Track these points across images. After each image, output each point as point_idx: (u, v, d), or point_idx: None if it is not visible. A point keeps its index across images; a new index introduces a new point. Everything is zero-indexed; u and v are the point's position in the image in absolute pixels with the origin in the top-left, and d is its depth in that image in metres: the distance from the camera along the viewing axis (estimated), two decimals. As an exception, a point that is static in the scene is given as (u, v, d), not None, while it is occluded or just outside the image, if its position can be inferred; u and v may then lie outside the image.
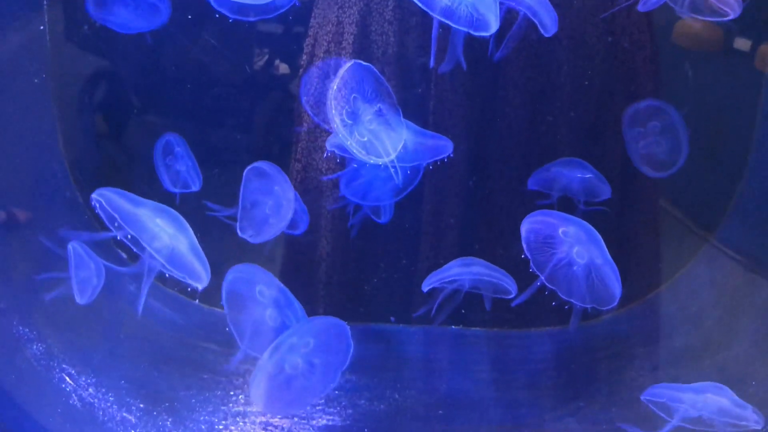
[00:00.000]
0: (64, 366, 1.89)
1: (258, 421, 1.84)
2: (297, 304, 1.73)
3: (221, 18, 1.84)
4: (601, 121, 2.03)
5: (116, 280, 1.92)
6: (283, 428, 1.83)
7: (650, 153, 1.97)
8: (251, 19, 1.87)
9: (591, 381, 2.04)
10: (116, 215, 1.54)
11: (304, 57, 2.10)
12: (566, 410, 1.94)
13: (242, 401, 1.88)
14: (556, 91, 2.02)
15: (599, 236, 1.64)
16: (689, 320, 2.14)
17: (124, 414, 1.84)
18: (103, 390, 1.87)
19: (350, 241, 2.11)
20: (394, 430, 1.91)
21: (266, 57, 2.27)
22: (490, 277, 1.84)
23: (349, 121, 1.59)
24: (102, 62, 2.31)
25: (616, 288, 1.61)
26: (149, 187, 2.05)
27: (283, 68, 2.27)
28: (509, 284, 1.82)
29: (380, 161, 1.60)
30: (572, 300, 1.62)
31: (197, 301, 2.04)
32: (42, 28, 2.14)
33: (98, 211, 1.56)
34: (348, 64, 1.57)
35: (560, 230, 1.64)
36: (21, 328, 1.89)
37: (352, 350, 1.67)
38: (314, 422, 1.85)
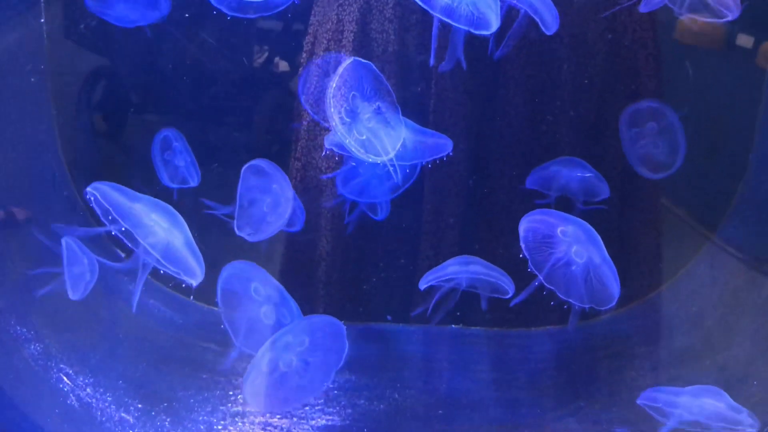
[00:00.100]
0: (61, 366, 1.88)
1: (257, 421, 1.83)
2: (292, 302, 1.73)
3: (220, 15, 1.83)
4: (602, 119, 2.02)
5: (114, 280, 1.91)
6: (282, 428, 1.82)
7: (648, 154, 1.97)
8: (250, 16, 1.86)
9: (591, 381, 2.03)
10: (111, 209, 1.54)
11: (304, 55, 2.09)
12: (567, 410, 1.93)
13: (241, 401, 1.87)
14: (556, 90, 2.01)
15: (598, 236, 1.63)
16: (690, 320, 2.14)
17: (123, 414, 1.83)
18: (101, 390, 1.87)
19: (350, 240, 2.11)
20: (394, 430, 1.90)
21: (266, 54, 2.26)
22: (487, 276, 1.83)
23: (348, 120, 1.59)
24: (100, 60, 2.31)
25: (615, 288, 1.60)
26: (147, 186, 2.04)
27: (283, 66, 2.26)
28: (507, 284, 1.81)
29: (379, 160, 1.59)
30: (570, 300, 1.62)
31: (192, 297, 2.03)
32: (39, 25, 2.13)
33: (93, 205, 1.55)
34: (347, 62, 1.56)
35: (559, 229, 1.63)
36: (18, 327, 1.88)
37: (347, 350, 1.66)
38: (313, 422, 1.85)
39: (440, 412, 1.94)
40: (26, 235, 1.91)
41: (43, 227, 1.91)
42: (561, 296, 1.62)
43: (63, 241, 1.76)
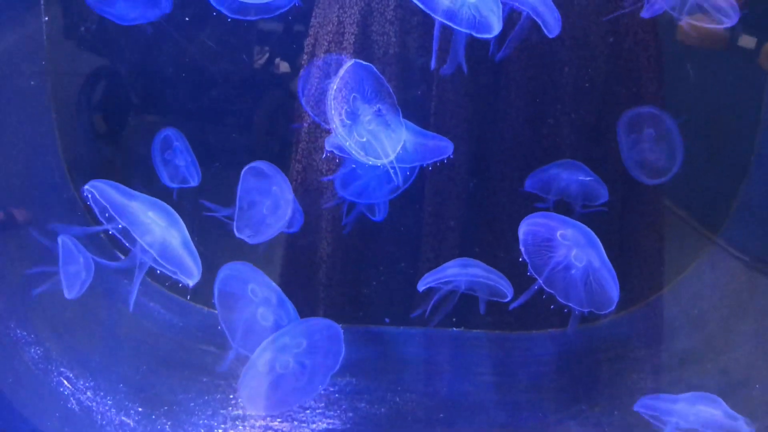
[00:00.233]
0: (62, 369, 1.88)
1: (257, 424, 1.83)
2: (289, 304, 1.72)
3: (220, 16, 1.83)
4: (604, 122, 2.01)
5: (114, 283, 1.91)
6: None
7: (645, 160, 1.96)
8: (251, 18, 1.86)
9: (593, 384, 2.03)
10: (108, 206, 1.53)
11: (305, 57, 2.08)
12: (568, 413, 1.93)
13: (242, 405, 1.87)
14: (558, 92, 2.00)
15: (597, 239, 1.62)
16: (692, 322, 2.13)
17: (123, 418, 1.83)
18: (102, 393, 1.86)
19: (350, 242, 2.10)
20: (395, 433, 1.90)
21: (267, 55, 2.26)
22: (486, 279, 1.83)
23: (348, 122, 1.58)
24: (100, 61, 2.30)
25: (614, 292, 1.60)
26: (147, 187, 2.04)
27: (284, 67, 2.26)
28: (506, 287, 1.81)
29: (379, 162, 1.58)
30: (570, 304, 1.61)
31: (188, 297, 2.03)
32: (39, 26, 2.13)
33: (90, 203, 1.54)
34: (348, 64, 1.56)
35: (558, 233, 1.62)
36: (19, 331, 1.88)
37: (343, 353, 1.66)
38: (314, 426, 1.84)
39: (441, 415, 1.93)
40: (26, 237, 1.91)
41: (42, 228, 1.91)
42: (560, 300, 1.61)
43: (59, 240, 1.76)
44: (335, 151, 1.74)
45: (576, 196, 1.95)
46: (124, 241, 1.57)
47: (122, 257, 1.85)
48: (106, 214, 1.54)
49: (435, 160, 1.76)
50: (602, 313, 1.62)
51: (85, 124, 2.36)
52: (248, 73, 2.26)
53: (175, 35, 2.14)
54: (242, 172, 1.84)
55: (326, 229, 2.12)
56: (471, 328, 2.14)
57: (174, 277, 1.56)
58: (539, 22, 1.62)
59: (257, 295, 1.71)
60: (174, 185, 2.05)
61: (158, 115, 2.35)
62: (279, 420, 1.83)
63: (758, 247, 2.14)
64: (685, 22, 1.72)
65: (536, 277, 1.61)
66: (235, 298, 1.70)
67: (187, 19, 2.09)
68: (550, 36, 1.64)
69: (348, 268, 2.15)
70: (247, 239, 1.85)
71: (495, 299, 1.84)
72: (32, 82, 2.13)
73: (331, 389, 1.93)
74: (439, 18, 1.52)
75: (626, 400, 1.85)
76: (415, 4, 1.53)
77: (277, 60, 2.25)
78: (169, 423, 1.84)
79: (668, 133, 1.96)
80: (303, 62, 2.11)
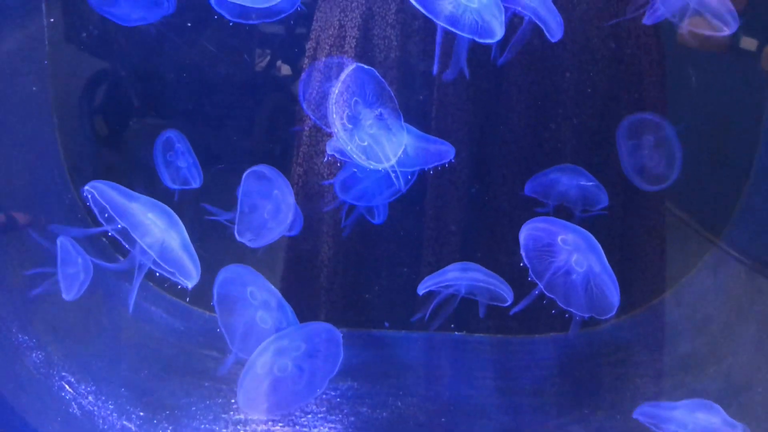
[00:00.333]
0: (63, 374, 1.88)
1: (259, 429, 1.83)
2: (288, 307, 1.72)
3: (222, 19, 1.83)
4: (606, 125, 2.00)
5: (116, 287, 1.91)
6: (284, 436, 1.82)
7: (644, 167, 1.96)
8: (253, 22, 1.85)
9: (595, 388, 2.03)
10: (107, 206, 1.53)
11: (306, 60, 2.08)
12: (570, 417, 1.93)
13: (239, 407, 1.86)
14: (559, 96, 2.00)
15: (598, 244, 1.62)
16: (694, 326, 2.13)
17: (125, 422, 1.83)
18: (103, 398, 1.86)
19: (352, 247, 2.10)
20: (397, 438, 1.90)
21: (268, 58, 2.25)
22: (486, 283, 1.82)
23: (350, 125, 1.58)
24: (101, 63, 2.30)
25: (615, 297, 1.59)
26: (149, 191, 2.03)
27: (285, 69, 2.25)
28: (506, 292, 1.81)
29: (380, 166, 1.58)
30: (570, 309, 1.61)
31: (188, 299, 2.03)
32: (41, 30, 2.12)
33: (90, 203, 1.54)
34: (350, 68, 1.55)
35: (559, 238, 1.62)
36: (20, 335, 1.88)
37: (342, 357, 1.65)
38: (316, 430, 1.84)
39: (443, 419, 1.93)
40: (27, 241, 1.91)
41: (43, 231, 1.91)
42: (561, 305, 1.61)
43: (57, 241, 1.76)
44: (336, 155, 1.74)
45: (576, 200, 1.94)
46: (123, 242, 1.56)
47: (121, 259, 1.86)
48: (105, 215, 1.54)
49: (436, 164, 1.76)
50: (603, 318, 1.61)
51: (87, 126, 2.35)
52: (249, 76, 2.26)
53: (177, 38, 2.14)
54: (244, 176, 1.84)
55: (327, 232, 2.12)
56: (473, 332, 2.14)
57: (173, 279, 1.56)
58: (542, 26, 1.62)
59: (256, 298, 1.71)
60: (176, 187, 2.05)
61: (159, 118, 2.35)
62: (281, 424, 1.83)
63: (761, 250, 2.13)
64: (686, 29, 1.73)
65: (537, 282, 1.61)
66: (234, 301, 1.69)
67: (188, 23, 2.09)
68: (553, 40, 1.64)
69: (349, 271, 2.15)
70: (248, 243, 1.85)
71: (495, 303, 1.84)
72: (33, 85, 2.13)
73: (333, 393, 1.93)
74: (441, 23, 1.51)
75: (628, 405, 1.84)
76: (417, 8, 1.52)
77: (279, 63, 2.25)
78: (170, 427, 1.84)
79: (667, 140, 1.96)
80: (304, 65, 2.10)
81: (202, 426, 1.85)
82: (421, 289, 1.85)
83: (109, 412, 1.84)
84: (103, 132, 2.39)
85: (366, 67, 1.57)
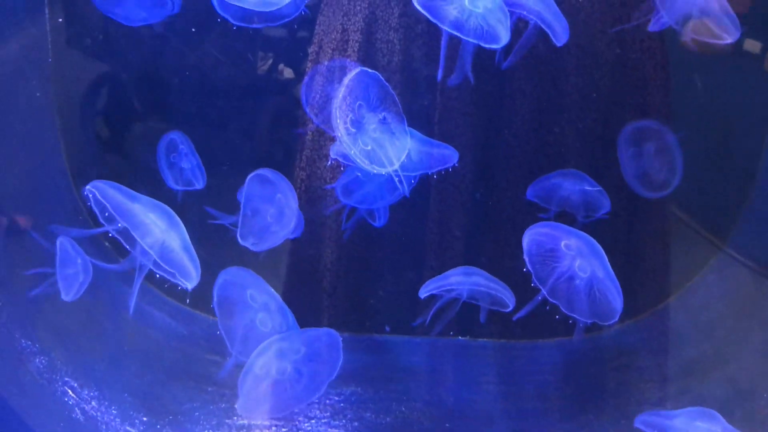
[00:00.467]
0: (66, 379, 1.87)
1: (262, 434, 1.82)
2: (288, 310, 1.72)
3: (225, 23, 1.82)
4: (610, 130, 1.99)
5: (119, 293, 1.90)
6: (287, 441, 1.82)
7: (645, 174, 1.96)
8: (256, 26, 1.85)
9: (600, 393, 2.02)
10: (108, 205, 1.53)
11: (309, 64, 2.08)
12: (575, 423, 1.92)
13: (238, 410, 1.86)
14: (563, 101, 1.99)
15: (602, 250, 1.61)
16: (700, 331, 2.11)
17: (128, 428, 1.83)
18: (106, 403, 1.86)
19: (354, 251, 2.09)
20: (401, 443, 1.89)
21: (270, 61, 2.25)
22: (488, 288, 1.82)
23: (353, 130, 1.57)
24: (104, 67, 2.30)
25: (618, 303, 1.59)
26: (151, 193, 2.03)
27: (288, 73, 2.25)
28: (508, 297, 1.80)
29: (384, 171, 1.58)
30: (573, 315, 1.60)
31: (188, 301, 2.02)
32: (43, 34, 2.13)
33: (92, 203, 1.54)
34: (354, 72, 1.55)
35: (563, 243, 1.62)
36: (23, 341, 1.87)
37: (341, 362, 1.65)
38: (319, 435, 1.84)
39: (447, 425, 1.92)
40: (30, 247, 1.90)
41: (45, 235, 1.91)
42: (564, 311, 1.60)
43: (57, 242, 1.76)
44: (340, 159, 1.74)
45: (578, 206, 1.94)
46: (123, 243, 1.56)
47: (122, 261, 1.85)
48: (106, 214, 1.54)
49: (440, 168, 1.75)
50: (606, 324, 1.61)
51: (89, 129, 2.36)
52: (251, 79, 2.25)
53: (179, 41, 2.14)
54: (247, 180, 1.84)
55: (330, 237, 2.11)
56: (476, 337, 2.13)
57: (173, 280, 1.55)
58: (547, 30, 1.61)
59: (256, 300, 1.71)
60: (179, 188, 2.04)
61: (162, 121, 2.35)
62: (284, 430, 1.82)
63: (766, 254, 2.12)
64: (689, 37, 1.73)
65: (540, 287, 1.60)
66: (234, 303, 1.70)
67: (191, 26, 2.09)
68: (558, 44, 1.63)
69: (352, 276, 2.14)
70: (251, 247, 1.85)
71: (497, 309, 1.84)
72: (36, 88, 2.13)
73: (337, 399, 1.93)
74: (446, 28, 1.51)
75: (633, 410, 1.83)
76: (421, 12, 1.52)
77: (281, 66, 2.25)
78: (173, 433, 1.84)
79: (668, 148, 1.96)
80: (307, 69, 2.10)
81: (205, 431, 1.84)
82: (423, 293, 1.85)
83: (112, 418, 1.84)
84: (106, 135, 2.39)
85: (370, 71, 1.56)
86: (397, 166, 1.59)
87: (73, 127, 2.27)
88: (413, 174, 1.73)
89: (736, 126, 2.21)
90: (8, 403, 1.76)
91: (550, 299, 1.61)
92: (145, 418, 1.85)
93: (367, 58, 1.99)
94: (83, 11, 2.19)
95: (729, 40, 1.71)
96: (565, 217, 1.92)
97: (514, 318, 1.71)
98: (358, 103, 1.57)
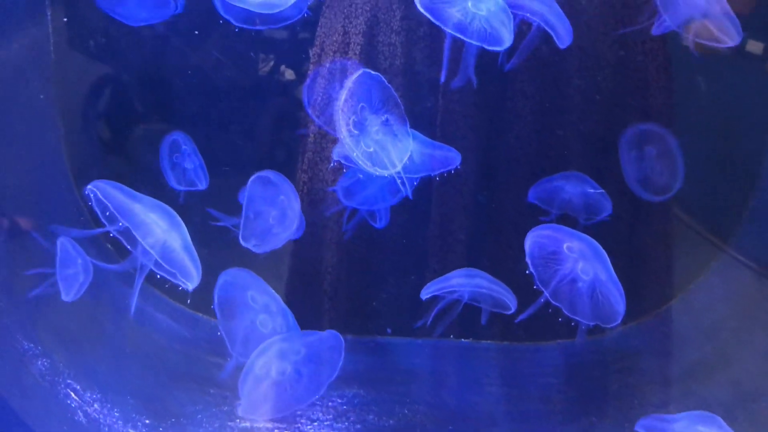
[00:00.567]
0: (69, 381, 1.87)
1: (265, 437, 1.82)
2: (288, 312, 1.71)
3: (226, 24, 1.82)
4: (612, 132, 1.99)
5: (121, 295, 1.90)
6: (290, 443, 1.81)
7: (646, 177, 1.96)
8: (259, 28, 1.85)
9: (603, 396, 2.02)
10: (109, 204, 1.53)
11: (311, 66, 2.07)
12: (577, 425, 1.92)
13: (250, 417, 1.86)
14: (565, 103, 1.99)
15: (604, 252, 1.61)
16: (703, 333, 2.11)
17: (130, 430, 1.82)
18: (109, 406, 1.86)
19: (356, 253, 2.09)
20: (404, 446, 1.89)
21: (272, 63, 2.25)
22: (489, 290, 1.82)
23: (356, 132, 1.57)
24: (106, 68, 2.30)
25: (620, 306, 1.59)
26: (154, 194, 2.03)
27: (289, 74, 2.25)
28: (509, 299, 1.80)
29: (386, 173, 1.58)
30: (576, 317, 1.60)
31: (189, 301, 2.02)
32: (46, 36, 2.12)
33: (93, 203, 1.53)
34: (357, 74, 1.55)
35: (565, 245, 1.61)
36: (26, 343, 1.87)
37: (341, 364, 1.65)
38: (322, 438, 1.84)
39: (450, 427, 1.92)
40: (32, 250, 1.90)
41: (47, 236, 1.90)
42: (567, 313, 1.60)
43: (57, 242, 1.75)
44: (342, 161, 1.74)
45: (579, 208, 1.93)
46: (124, 243, 1.56)
47: (123, 261, 1.85)
48: (107, 213, 1.54)
49: (442, 170, 1.75)
50: (608, 327, 1.61)
51: (92, 131, 2.35)
52: (252, 80, 2.25)
53: (180, 43, 2.14)
54: (249, 181, 1.83)
55: (332, 239, 2.11)
56: (479, 339, 2.13)
57: (174, 280, 1.55)
58: (551, 32, 1.61)
59: (257, 301, 1.71)
60: (181, 188, 2.04)
61: (164, 122, 2.35)
62: (287, 432, 1.83)
63: (770, 255, 2.12)
64: (691, 41, 1.73)
65: (543, 290, 1.60)
66: (234, 304, 1.70)
67: (193, 27, 2.09)
68: (562, 47, 1.63)
69: (354, 278, 2.14)
70: (252, 248, 1.84)
71: (498, 311, 1.83)
72: (39, 90, 2.13)
73: (339, 401, 1.92)
74: (449, 31, 1.50)
75: (636, 413, 1.83)
76: (423, 14, 1.51)
77: (283, 67, 2.25)
78: (176, 435, 1.84)
79: (670, 151, 1.96)
80: (308, 70, 2.10)
81: (208, 434, 1.84)
82: (425, 294, 1.85)
83: (114, 420, 1.83)
84: (108, 136, 2.39)
85: (373, 72, 1.56)
86: (399, 168, 1.59)
87: (75, 128, 2.27)
88: (415, 176, 1.72)
89: (738, 127, 2.20)
90: (10, 405, 1.76)
91: (553, 302, 1.60)
92: (147, 421, 1.85)
93: (368, 60, 1.99)
94: (85, 12, 2.19)
95: (731, 43, 1.71)
96: (567, 220, 1.92)
97: (517, 320, 1.71)
98: (360, 105, 1.57)
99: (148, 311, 2.10)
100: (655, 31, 1.74)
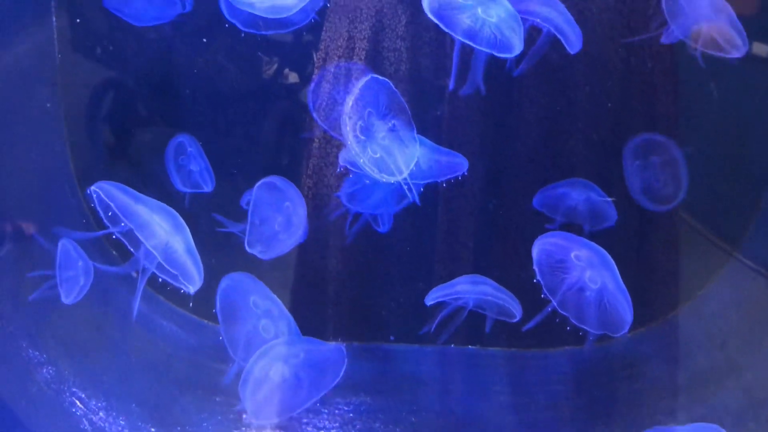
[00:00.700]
0: (74, 390, 1.87)
1: (271, 444, 1.82)
2: (290, 317, 1.70)
3: (232, 27, 1.81)
4: (619, 138, 1.98)
5: (126, 302, 1.89)
6: (296, 451, 1.81)
7: (650, 187, 1.94)
8: (264, 32, 1.84)
9: (611, 403, 2.00)
10: (112, 205, 1.52)
11: (315, 71, 2.06)
12: (586, 433, 1.91)
13: (256, 425, 1.85)
14: (572, 109, 1.97)
15: (612, 261, 1.60)
16: (712, 340, 2.10)
17: (136, 438, 1.82)
18: (114, 414, 1.85)
19: (362, 260, 2.08)
20: (411, 454, 1.88)
21: (275, 66, 2.24)
22: (494, 297, 1.80)
23: (363, 137, 1.56)
24: (111, 72, 2.30)
25: (628, 314, 1.58)
26: (158, 199, 2.03)
27: (293, 77, 2.24)
28: (515, 307, 1.79)
29: (392, 179, 1.57)
30: (583, 326, 1.59)
31: (191, 305, 2.01)
32: (51, 39, 2.12)
33: (96, 204, 1.53)
34: (364, 79, 1.54)
35: (573, 254, 1.60)
36: (31, 351, 1.87)
37: (343, 370, 1.64)
38: (329, 446, 1.83)
39: (457, 435, 1.92)
40: (37, 257, 1.90)
41: (51, 241, 1.90)
42: (574, 322, 1.59)
43: (59, 244, 1.75)
44: (348, 167, 1.73)
45: (584, 216, 1.92)
46: (127, 244, 1.55)
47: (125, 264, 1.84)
48: (110, 213, 1.53)
49: (449, 176, 1.74)
50: (615, 335, 1.59)
51: (97, 134, 2.35)
52: (257, 84, 2.25)
53: (186, 47, 2.14)
54: (255, 187, 1.83)
55: (336, 245, 2.10)
56: (486, 346, 2.12)
57: (176, 283, 1.55)
58: (561, 38, 1.59)
59: (259, 306, 1.71)
60: (186, 190, 2.04)
61: (169, 126, 2.34)
62: (293, 440, 1.82)
63: (781, 261, 2.11)
64: (698, 50, 1.72)
65: (550, 298, 1.59)
66: (236, 309, 1.69)
67: (198, 31, 2.08)
68: (572, 52, 1.61)
69: (359, 285, 2.13)
70: (258, 255, 1.84)
71: (503, 319, 1.82)
72: (43, 94, 2.13)
73: (346, 408, 1.92)
74: (459, 38, 1.49)
75: (645, 420, 1.82)
76: (428, 18, 1.50)
77: (286, 70, 2.24)
78: (182, 443, 1.83)
79: (674, 161, 1.94)
80: (313, 74, 2.09)
81: (214, 441, 1.84)
82: (429, 300, 1.84)
83: (120, 429, 1.83)
84: (113, 140, 2.39)
85: (380, 78, 1.55)
86: (406, 174, 1.58)
87: (80, 132, 2.27)
88: (422, 182, 1.72)
89: (746, 131, 2.19)
90: (16, 413, 1.76)
91: (560, 311, 1.59)
92: (152, 429, 1.84)
93: (373, 66, 1.97)
94: (90, 16, 2.18)
95: (737, 54, 1.70)
96: (572, 227, 1.90)
97: (524, 329, 1.70)
98: (367, 111, 1.56)
99: (154, 319, 2.10)
100: (665, 40, 1.73)
